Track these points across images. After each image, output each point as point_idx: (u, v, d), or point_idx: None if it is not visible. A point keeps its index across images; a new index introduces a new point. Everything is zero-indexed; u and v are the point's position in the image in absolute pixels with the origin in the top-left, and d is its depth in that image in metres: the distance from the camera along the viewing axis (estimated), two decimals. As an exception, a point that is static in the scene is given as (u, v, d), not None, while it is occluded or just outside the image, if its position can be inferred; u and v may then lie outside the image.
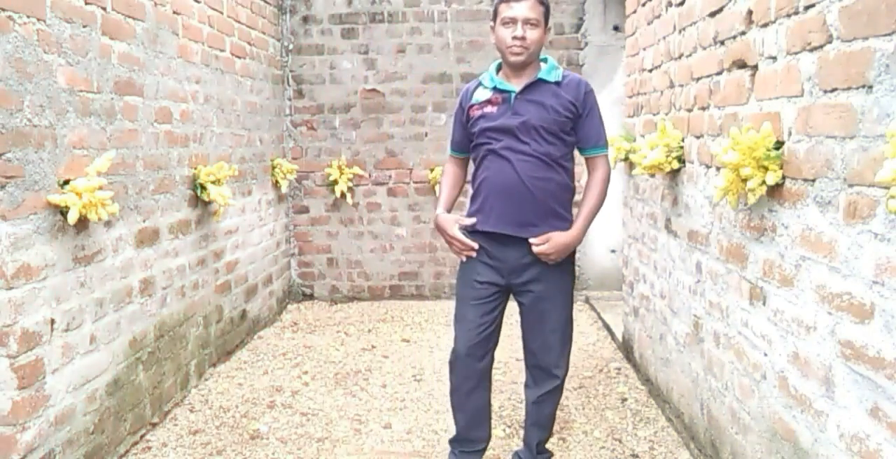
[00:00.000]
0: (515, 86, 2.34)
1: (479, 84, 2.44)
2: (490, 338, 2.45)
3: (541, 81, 2.34)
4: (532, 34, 2.27)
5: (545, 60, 2.40)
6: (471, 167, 2.55)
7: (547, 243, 2.31)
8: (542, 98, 2.33)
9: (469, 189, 2.52)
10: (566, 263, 2.42)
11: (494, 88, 2.37)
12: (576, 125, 2.36)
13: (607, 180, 2.44)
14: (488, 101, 2.37)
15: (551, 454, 2.64)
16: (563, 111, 2.32)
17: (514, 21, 2.26)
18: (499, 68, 2.43)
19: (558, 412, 3.21)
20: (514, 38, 2.26)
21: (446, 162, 2.66)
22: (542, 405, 2.50)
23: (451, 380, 2.52)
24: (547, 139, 2.31)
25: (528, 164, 2.30)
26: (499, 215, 2.34)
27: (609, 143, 2.55)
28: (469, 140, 2.46)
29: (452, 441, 2.60)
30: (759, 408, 2.10)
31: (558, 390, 2.51)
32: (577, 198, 2.38)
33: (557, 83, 2.35)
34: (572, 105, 2.33)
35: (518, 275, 2.38)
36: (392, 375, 3.75)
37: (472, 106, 2.42)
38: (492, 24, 2.37)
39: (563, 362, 2.48)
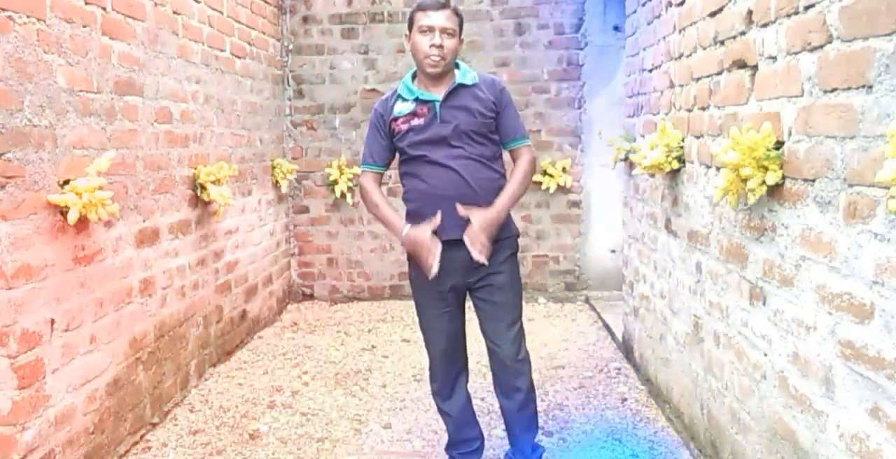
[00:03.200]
0: (437, 94, 2.35)
1: (398, 96, 2.42)
2: (460, 341, 2.52)
3: (461, 86, 2.36)
4: (449, 43, 2.30)
5: (457, 66, 2.42)
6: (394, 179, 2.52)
7: (475, 229, 2.26)
8: (465, 102, 2.35)
9: (400, 202, 2.50)
10: (514, 256, 2.47)
11: (417, 99, 2.37)
12: (496, 122, 2.40)
13: (532, 163, 2.47)
14: (413, 114, 2.36)
15: (544, 449, 2.65)
16: (487, 112, 2.36)
17: (431, 29, 2.28)
18: (413, 76, 2.43)
19: (558, 412, 3.21)
20: (432, 46, 2.28)
21: (362, 180, 2.51)
22: (524, 408, 2.50)
23: (433, 388, 2.58)
24: (478, 141, 2.36)
25: (469, 168, 2.33)
26: (452, 221, 2.32)
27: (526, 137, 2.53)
28: (392, 153, 2.45)
29: (447, 447, 2.61)
30: (759, 408, 2.10)
31: (531, 398, 2.51)
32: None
33: (475, 85, 2.38)
34: (493, 104, 2.38)
35: (473, 274, 2.40)
36: (392, 375, 3.75)
37: (395, 119, 2.39)
38: (407, 32, 2.38)
39: (521, 367, 2.47)
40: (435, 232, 2.31)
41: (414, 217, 2.44)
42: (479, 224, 2.27)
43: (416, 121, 2.36)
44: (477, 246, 2.26)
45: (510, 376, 2.46)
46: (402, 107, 2.39)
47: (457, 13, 2.34)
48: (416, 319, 2.60)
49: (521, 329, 2.48)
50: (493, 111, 2.38)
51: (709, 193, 2.50)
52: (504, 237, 2.41)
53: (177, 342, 3.33)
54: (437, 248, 2.27)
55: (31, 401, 2.21)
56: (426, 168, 2.36)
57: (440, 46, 2.28)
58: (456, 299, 2.46)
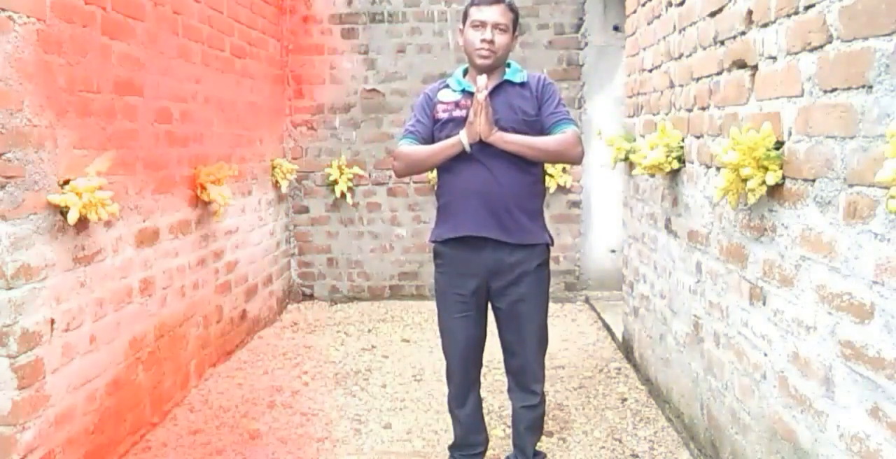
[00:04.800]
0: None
1: (446, 85, 2.41)
2: (479, 347, 2.49)
3: (507, 83, 2.35)
4: (500, 39, 2.28)
5: (508, 65, 2.40)
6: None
7: (483, 103, 2.20)
8: (510, 99, 2.33)
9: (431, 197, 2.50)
10: (544, 266, 2.42)
11: (463, 91, 2.36)
12: (539, 114, 2.34)
13: (573, 137, 2.31)
14: (456, 105, 2.34)
15: (545, 455, 2.65)
16: (530, 111, 2.33)
17: (483, 25, 2.27)
18: (465, 73, 2.42)
19: (558, 412, 3.21)
20: (483, 41, 2.27)
21: (400, 148, 2.39)
22: (534, 409, 2.50)
23: (449, 391, 2.55)
24: None
25: (503, 167, 2.29)
26: (477, 219, 2.31)
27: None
28: (433, 136, 2.39)
29: (451, 448, 2.61)
30: (759, 408, 2.10)
31: (542, 401, 2.51)
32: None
33: (522, 84, 2.36)
34: (536, 100, 2.34)
35: (498, 279, 2.37)
36: (392, 375, 3.75)
37: (437, 103, 2.37)
38: (461, 26, 2.37)
39: (540, 374, 2.48)
40: (459, 237, 2.32)
41: (444, 212, 2.42)
42: (484, 115, 2.20)
43: (457, 113, 2.33)
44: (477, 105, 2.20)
45: (529, 381, 2.46)
46: (446, 95, 2.38)
47: (512, 9, 2.31)
48: (425, 318, 2.58)
49: (543, 343, 2.46)
50: (535, 108, 2.34)
51: (709, 193, 2.50)
52: (533, 244, 2.37)
53: (177, 342, 3.33)
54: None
55: (31, 401, 2.21)
56: (461, 163, 2.31)
57: (491, 41, 2.26)
58: (477, 303, 2.42)
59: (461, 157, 2.31)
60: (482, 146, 2.28)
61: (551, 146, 2.31)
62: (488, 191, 2.29)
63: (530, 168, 2.36)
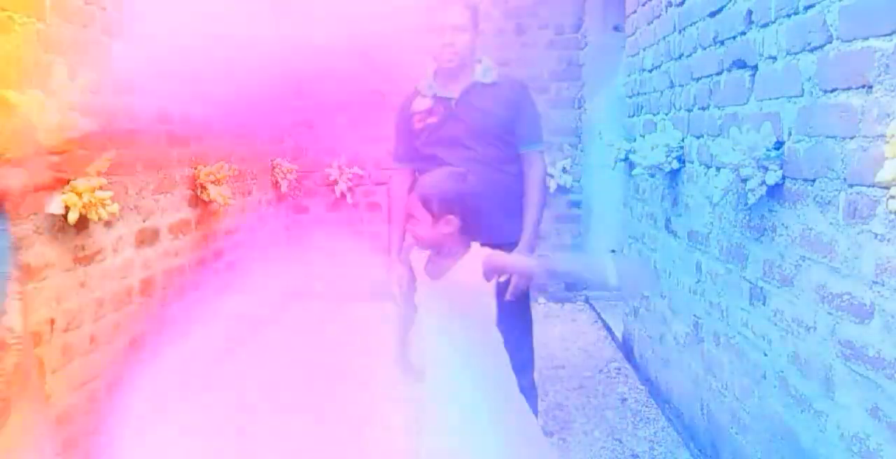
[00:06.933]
0: (454, 92, 2.34)
1: (418, 92, 2.42)
2: None
3: (478, 84, 2.35)
4: (460, 39, 2.29)
5: (480, 61, 2.41)
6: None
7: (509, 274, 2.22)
8: (481, 102, 2.34)
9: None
10: None
11: (434, 96, 2.37)
12: (513, 123, 2.37)
13: (544, 179, 2.45)
14: (429, 112, 2.35)
15: None
16: (504, 113, 2.34)
17: (441, 29, 2.28)
18: (435, 73, 2.43)
19: (558, 412, 3.21)
20: (444, 45, 2.28)
21: (391, 183, 2.55)
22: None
23: None
24: (492, 143, 2.33)
25: (479, 169, 2.28)
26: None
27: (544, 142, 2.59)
28: (415, 150, 2.43)
29: None
30: (759, 408, 2.10)
31: (533, 388, 2.51)
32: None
33: (495, 84, 2.36)
34: (510, 105, 2.35)
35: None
36: (392, 375, 3.74)
37: (413, 115, 2.39)
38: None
39: (528, 365, 2.49)
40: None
41: None
42: (521, 273, 2.25)
43: (431, 120, 2.35)
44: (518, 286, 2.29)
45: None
46: (419, 104, 2.39)
47: (468, 6, 2.32)
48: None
49: (527, 331, 2.47)
50: (512, 112, 2.35)
51: (709, 193, 2.49)
52: (512, 242, 2.40)
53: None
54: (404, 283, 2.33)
55: (31, 401, 2.21)
56: (438, 166, 2.35)
57: (451, 44, 2.28)
58: None
59: (437, 163, 2.32)
60: (459, 151, 2.30)
61: (543, 199, 2.39)
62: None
63: (507, 168, 2.37)
